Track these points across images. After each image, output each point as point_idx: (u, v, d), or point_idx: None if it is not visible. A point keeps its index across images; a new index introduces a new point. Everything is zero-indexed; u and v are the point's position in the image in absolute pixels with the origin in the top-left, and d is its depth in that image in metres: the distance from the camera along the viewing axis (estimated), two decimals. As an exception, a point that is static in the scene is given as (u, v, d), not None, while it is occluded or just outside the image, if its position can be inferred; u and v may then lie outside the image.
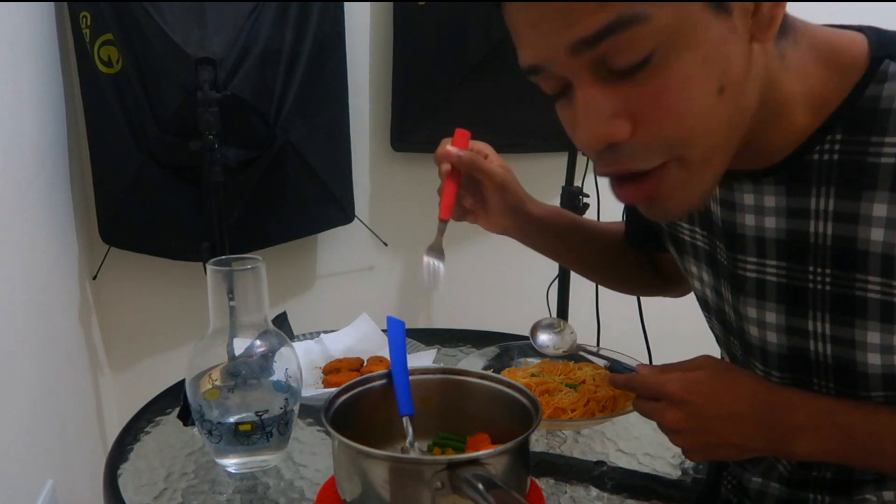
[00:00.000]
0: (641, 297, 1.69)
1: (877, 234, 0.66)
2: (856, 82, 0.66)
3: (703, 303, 0.89)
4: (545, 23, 0.59)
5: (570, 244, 1.04)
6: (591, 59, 0.58)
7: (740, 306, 0.80)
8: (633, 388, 0.82)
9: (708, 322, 0.91)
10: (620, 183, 0.65)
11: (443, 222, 0.93)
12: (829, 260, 0.70)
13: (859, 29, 0.69)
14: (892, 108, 0.64)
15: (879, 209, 0.65)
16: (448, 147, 0.93)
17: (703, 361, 0.78)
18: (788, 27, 0.67)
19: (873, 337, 0.69)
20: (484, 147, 0.97)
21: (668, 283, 1.08)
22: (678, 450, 0.91)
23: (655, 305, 1.84)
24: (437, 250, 0.93)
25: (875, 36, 0.68)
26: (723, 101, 0.60)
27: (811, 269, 0.72)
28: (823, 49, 0.68)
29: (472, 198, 0.96)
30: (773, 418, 0.74)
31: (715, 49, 0.59)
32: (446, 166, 0.92)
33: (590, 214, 1.56)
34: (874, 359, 0.70)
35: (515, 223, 0.98)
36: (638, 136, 0.61)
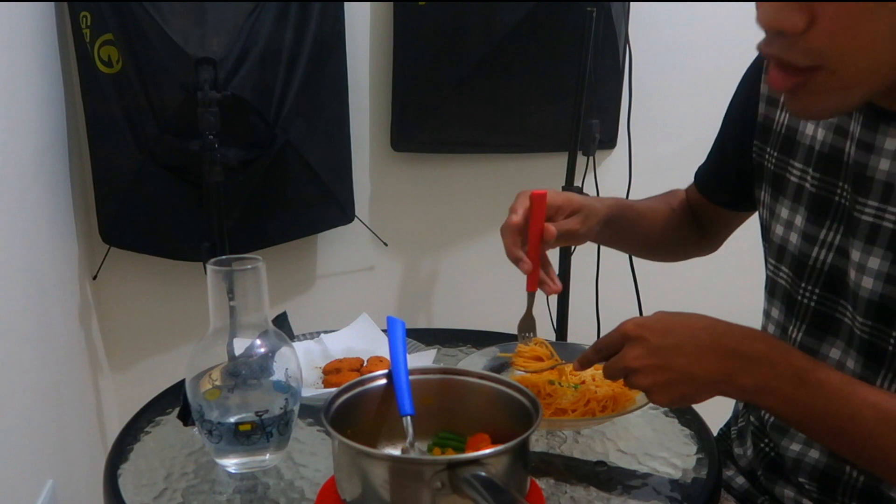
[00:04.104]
0: (641, 298, 1.70)
1: None
2: None
3: (779, 249, 0.91)
4: None
5: (626, 233, 1.11)
6: None
7: (845, 247, 0.81)
8: (599, 349, 0.83)
9: (771, 272, 0.93)
10: (773, 67, 0.68)
11: (531, 294, 1.01)
12: None
13: None
14: None
15: None
16: (521, 263, 0.97)
17: (659, 311, 0.81)
18: None
19: None
20: (556, 200, 1.00)
21: (706, 240, 1.15)
22: (678, 450, 0.91)
23: (656, 306, 1.84)
24: (528, 324, 1.03)
25: None
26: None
27: None
28: None
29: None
30: (733, 346, 0.75)
31: None
32: (527, 266, 0.97)
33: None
34: None
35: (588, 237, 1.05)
36: (807, 37, 0.63)
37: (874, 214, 0.78)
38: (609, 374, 0.82)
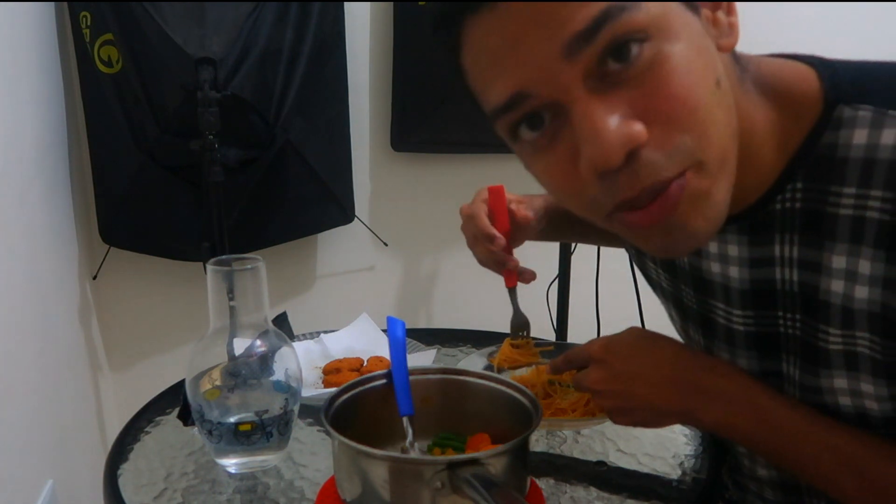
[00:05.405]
0: (641, 298, 1.70)
1: (836, 286, 0.65)
2: (812, 126, 0.63)
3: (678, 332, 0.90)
4: (534, 29, 0.54)
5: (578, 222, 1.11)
6: (586, 65, 0.54)
7: (714, 350, 0.80)
8: (568, 360, 0.84)
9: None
10: (634, 209, 0.58)
11: (512, 290, 1.06)
12: (799, 305, 0.69)
13: (809, 61, 0.66)
14: (848, 157, 0.62)
15: (839, 261, 0.64)
16: (497, 240, 1.05)
17: (631, 329, 0.80)
18: (739, 57, 0.64)
19: (840, 382, 0.68)
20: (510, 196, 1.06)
21: None
22: (678, 450, 0.91)
23: (656, 305, 1.84)
24: (521, 323, 1.07)
25: (826, 73, 0.64)
26: (721, 94, 0.58)
27: (781, 314, 0.71)
28: (773, 84, 0.65)
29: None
30: (694, 379, 0.74)
31: (701, 41, 0.57)
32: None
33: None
34: (845, 401, 0.69)
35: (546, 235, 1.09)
36: (653, 135, 0.55)
37: (725, 317, 0.76)
38: (577, 388, 0.84)
